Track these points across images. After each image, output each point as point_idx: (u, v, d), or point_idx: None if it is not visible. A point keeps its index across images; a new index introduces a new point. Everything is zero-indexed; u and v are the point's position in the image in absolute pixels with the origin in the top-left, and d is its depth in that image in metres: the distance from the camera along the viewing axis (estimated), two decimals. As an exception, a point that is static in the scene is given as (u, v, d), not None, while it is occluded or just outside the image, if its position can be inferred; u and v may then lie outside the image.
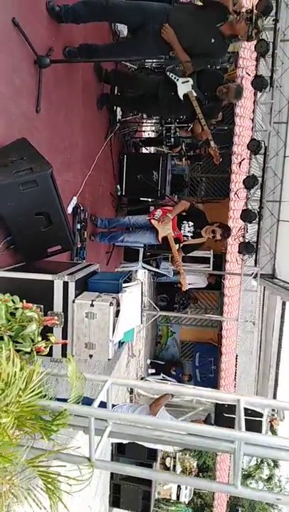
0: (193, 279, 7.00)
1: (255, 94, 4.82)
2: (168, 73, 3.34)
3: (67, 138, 3.20)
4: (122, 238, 4.11)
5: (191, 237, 3.79)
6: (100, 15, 3.00)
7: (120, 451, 5.57)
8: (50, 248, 2.50)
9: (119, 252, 5.08)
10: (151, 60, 4.94)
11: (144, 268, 5.16)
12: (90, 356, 2.22)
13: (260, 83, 4.35)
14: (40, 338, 1.88)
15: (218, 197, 7.50)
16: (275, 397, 7.99)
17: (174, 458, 10.52)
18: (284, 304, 7.60)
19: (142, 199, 5.26)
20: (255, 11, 2.86)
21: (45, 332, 1.98)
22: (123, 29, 4.11)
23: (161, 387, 1.92)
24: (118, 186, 4.81)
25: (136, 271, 5.55)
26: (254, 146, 4.54)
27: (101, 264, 4.42)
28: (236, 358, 6.29)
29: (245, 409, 1.55)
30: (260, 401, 1.81)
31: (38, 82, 2.54)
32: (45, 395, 1.56)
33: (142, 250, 4.89)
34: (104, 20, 3.52)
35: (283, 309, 8.34)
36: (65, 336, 2.23)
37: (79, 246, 3.48)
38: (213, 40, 2.92)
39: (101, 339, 2.17)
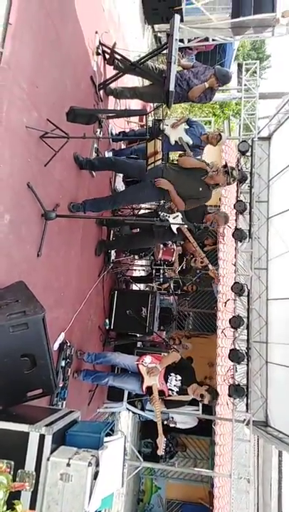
0: (182, 418, 6.44)
1: (236, 243, 5.37)
2: (160, 213, 4.10)
3: (63, 277, 3.39)
4: (106, 381, 3.95)
5: (177, 392, 3.65)
6: (109, 166, 4.01)
7: None
8: (30, 392, 2.37)
9: (102, 390, 4.80)
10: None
11: (129, 410, 4.81)
12: (60, 532, 1.89)
13: (240, 235, 4.93)
14: (5, 508, 1.64)
15: (205, 332, 7.52)
16: None
17: None
18: (280, 455, 6.88)
19: (130, 333, 5.26)
20: (228, 165, 3.71)
21: (12, 498, 1.74)
22: (121, 188, 4.80)
23: None
24: (107, 320, 4.86)
25: (119, 412, 5.15)
26: (237, 289, 4.82)
27: (83, 403, 4.15)
28: (231, 527, 5.33)
29: None
30: None
31: (43, 232, 2.82)
32: None
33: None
34: (111, 170, 4.47)
35: (280, 461, 7.50)
36: (33, 502, 1.93)
37: (61, 386, 3.31)
38: (200, 189, 3.67)
39: (74, 509, 1.88)
